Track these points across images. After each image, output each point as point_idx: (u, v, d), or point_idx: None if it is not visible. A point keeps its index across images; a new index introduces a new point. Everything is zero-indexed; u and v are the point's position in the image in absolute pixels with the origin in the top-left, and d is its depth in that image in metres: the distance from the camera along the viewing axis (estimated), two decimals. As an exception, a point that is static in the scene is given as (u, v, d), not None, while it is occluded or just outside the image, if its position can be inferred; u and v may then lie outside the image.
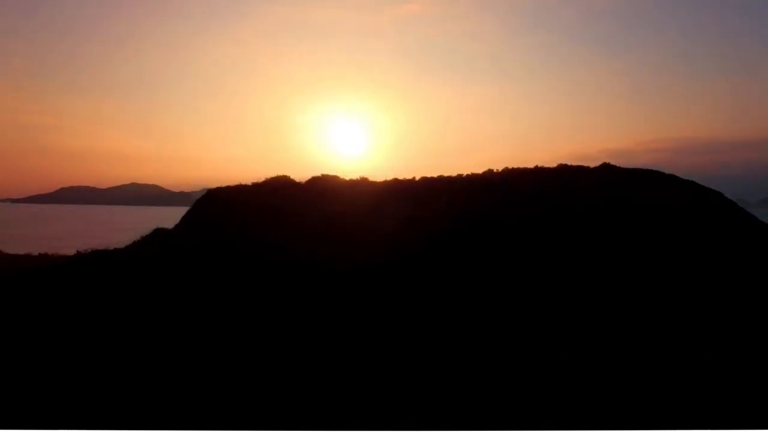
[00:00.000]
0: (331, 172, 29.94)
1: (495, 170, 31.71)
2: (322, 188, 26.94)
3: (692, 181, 30.15)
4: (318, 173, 29.44)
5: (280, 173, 28.80)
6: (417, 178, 28.97)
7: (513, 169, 31.00)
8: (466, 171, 30.41)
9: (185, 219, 26.16)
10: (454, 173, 29.70)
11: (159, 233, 25.26)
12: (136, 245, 24.49)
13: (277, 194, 25.61)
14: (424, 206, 23.00)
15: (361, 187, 27.58)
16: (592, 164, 28.40)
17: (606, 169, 30.26)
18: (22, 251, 38.67)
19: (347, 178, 28.85)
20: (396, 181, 28.37)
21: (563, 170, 29.71)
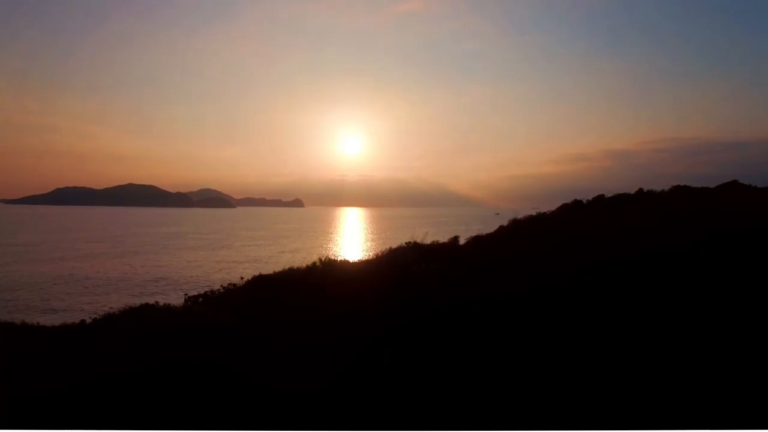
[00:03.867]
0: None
1: (546, 212, 21.65)
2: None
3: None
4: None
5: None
6: (433, 242, 17.72)
7: (609, 197, 21.60)
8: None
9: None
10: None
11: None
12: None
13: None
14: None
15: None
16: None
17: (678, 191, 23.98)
18: None
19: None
20: (406, 249, 16.65)
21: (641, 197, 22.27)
